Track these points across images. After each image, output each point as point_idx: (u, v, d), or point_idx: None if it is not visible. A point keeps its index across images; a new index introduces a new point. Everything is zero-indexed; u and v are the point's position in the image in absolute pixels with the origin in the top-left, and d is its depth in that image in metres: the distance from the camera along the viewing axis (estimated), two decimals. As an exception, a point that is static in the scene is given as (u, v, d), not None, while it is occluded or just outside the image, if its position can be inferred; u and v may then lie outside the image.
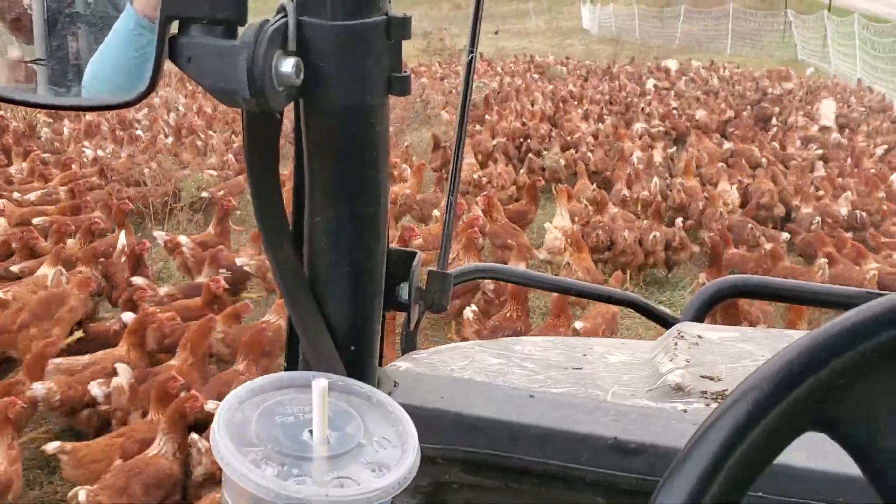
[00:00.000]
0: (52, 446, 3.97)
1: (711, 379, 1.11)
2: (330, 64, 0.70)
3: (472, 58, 0.86)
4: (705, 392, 1.07)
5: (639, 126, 12.38)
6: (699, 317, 1.41)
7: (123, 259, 6.01)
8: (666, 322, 1.41)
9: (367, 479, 0.65)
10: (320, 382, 0.66)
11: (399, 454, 0.68)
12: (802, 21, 28.47)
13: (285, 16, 0.69)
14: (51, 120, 12.02)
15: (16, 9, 0.92)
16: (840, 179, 9.64)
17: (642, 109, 13.88)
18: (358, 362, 0.82)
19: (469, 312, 5.52)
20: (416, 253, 0.87)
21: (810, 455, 0.81)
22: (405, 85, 0.74)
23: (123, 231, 6.24)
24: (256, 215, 0.78)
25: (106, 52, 0.84)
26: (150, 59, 0.85)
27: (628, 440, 0.88)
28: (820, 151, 11.35)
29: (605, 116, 13.19)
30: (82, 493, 3.60)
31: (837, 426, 0.49)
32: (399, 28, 0.73)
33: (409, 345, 1.22)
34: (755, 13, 31.81)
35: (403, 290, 0.86)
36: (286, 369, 0.90)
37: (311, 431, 0.68)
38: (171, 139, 11.07)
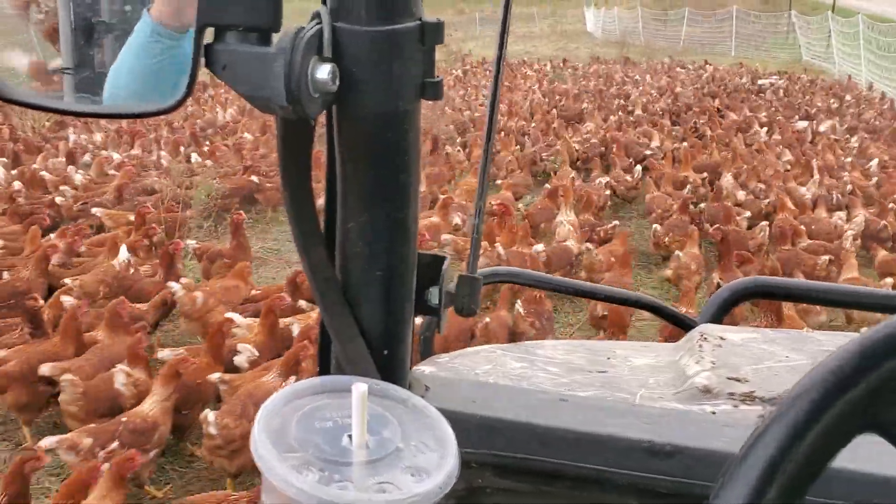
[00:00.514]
0: (215, 376, 4.45)
1: (738, 380, 1.10)
2: (364, 69, 0.70)
3: (500, 63, 0.86)
4: (733, 394, 1.06)
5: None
6: (716, 318, 1.41)
7: (132, 272, 6.06)
8: (682, 324, 1.41)
9: (408, 484, 0.64)
10: (360, 387, 0.66)
11: (438, 459, 0.68)
12: (807, 22, 28.43)
13: (320, 22, 0.69)
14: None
15: (53, 18, 0.93)
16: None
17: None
18: (391, 367, 0.82)
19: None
20: (444, 257, 0.87)
21: (854, 457, 0.80)
22: (438, 90, 0.74)
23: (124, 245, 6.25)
24: (290, 220, 0.78)
25: (124, 59, 0.84)
26: (166, 66, 0.85)
27: (663, 443, 0.88)
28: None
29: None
30: (211, 414, 4.11)
31: (891, 428, 0.49)
32: (432, 33, 0.73)
33: (427, 349, 1.22)
34: (759, 15, 31.81)
35: (433, 295, 0.86)
36: (318, 373, 0.90)
37: (349, 436, 0.68)
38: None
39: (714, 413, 1.02)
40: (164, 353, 4.72)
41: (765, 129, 12.97)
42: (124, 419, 4.14)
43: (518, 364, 1.21)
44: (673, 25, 33.57)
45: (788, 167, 10.27)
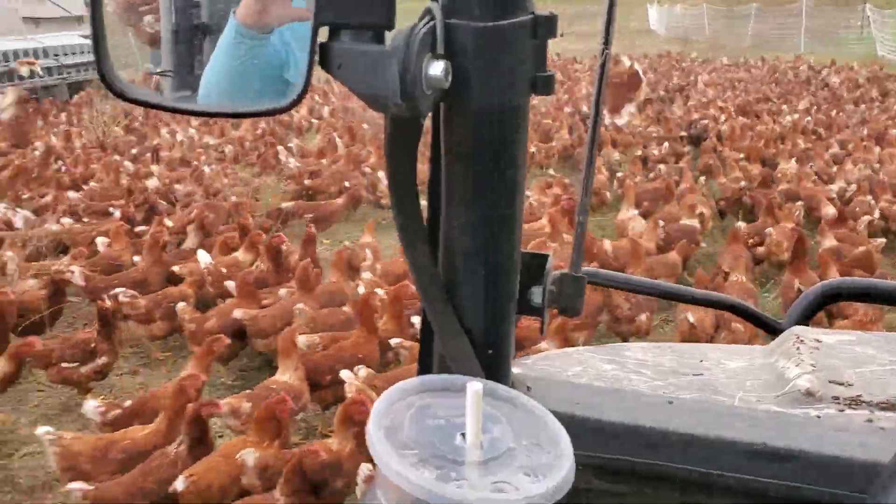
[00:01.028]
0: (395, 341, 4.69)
1: (841, 384, 1.07)
2: (477, 65, 0.70)
3: (605, 55, 0.85)
4: (837, 398, 1.03)
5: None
6: (804, 321, 1.37)
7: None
8: (768, 326, 1.37)
9: (525, 484, 0.64)
10: (475, 386, 0.65)
11: (552, 459, 0.67)
12: (882, 16, 27.50)
13: (432, 19, 0.69)
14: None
15: (156, 25, 0.95)
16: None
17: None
18: (494, 366, 0.81)
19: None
20: (547, 255, 0.86)
21: None
22: (549, 84, 0.73)
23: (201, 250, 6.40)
24: (395, 217, 0.78)
25: (214, 60, 0.85)
26: (249, 67, 0.86)
27: (776, 447, 0.85)
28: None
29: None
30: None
31: None
32: (545, 26, 0.72)
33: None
34: (831, 9, 30.89)
35: (535, 294, 0.85)
36: (419, 372, 0.90)
37: (462, 435, 0.67)
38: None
39: (819, 417, 0.99)
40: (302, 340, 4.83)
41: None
42: (273, 386, 4.27)
43: (608, 366, 1.19)
44: (740, 21, 32.84)
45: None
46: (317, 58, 0.70)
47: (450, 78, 0.69)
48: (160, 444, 3.55)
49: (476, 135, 0.73)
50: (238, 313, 5.23)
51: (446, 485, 0.62)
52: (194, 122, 13.20)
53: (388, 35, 0.69)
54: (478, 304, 0.79)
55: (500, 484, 0.64)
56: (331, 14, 0.67)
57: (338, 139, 11.74)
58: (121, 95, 0.76)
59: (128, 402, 4.24)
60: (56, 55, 20.25)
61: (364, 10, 0.67)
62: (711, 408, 0.96)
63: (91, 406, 4.16)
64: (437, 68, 0.67)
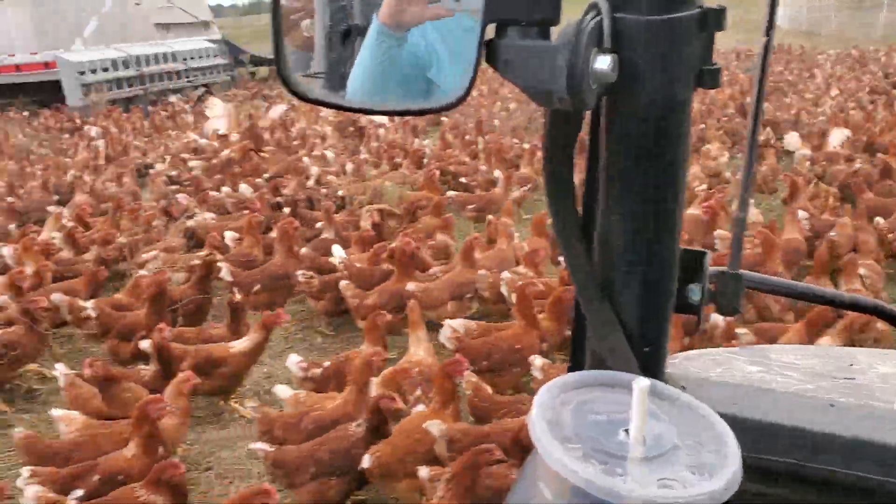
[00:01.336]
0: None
1: None
2: (644, 59, 0.70)
3: (767, 46, 0.82)
4: None
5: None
6: None
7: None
8: None
9: (693, 481, 0.63)
10: (642, 382, 0.65)
11: (718, 459, 0.66)
12: None
13: (598, 13, 0.69)
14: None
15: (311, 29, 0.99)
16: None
17: None
18: (651, 363, 0.80)
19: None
20: (706, 252, 0.84)
21: None
22: (716, 77, 0.72)
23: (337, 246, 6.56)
24: (551, 213, 0.78)
25: (360, 59, 0.88)
26: (387, 67, 0.88)
27: None
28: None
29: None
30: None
31: None
32: (714, 19, 0.71)
33: None
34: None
35: (693, 292, 0.83)
36: (571, 367, 0.90)
37: (625, 431, 0.67)
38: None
39: None
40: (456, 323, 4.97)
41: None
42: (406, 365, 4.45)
43: (753, 368, 1.16)
44: (869, 12, 31.11)
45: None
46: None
47: (616, 72, 0.68)
48: (346, 417, 3.75)
49: (641, 129, 0.73)
50: (411, 286, 5.50)
51: (614, 479, 0.62)
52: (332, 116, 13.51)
53: (553, 31, 0.70)
54: (635, 301, 0.79)
55: (667, 481, 0.63)
56: (499, 11, 0.68)
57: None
58: (301, 97, 0.80)
59: (326, 363, 4.55)
60: (184, 59, 21.31)
61: (531, 6, 0.67)
62: (875, 412, 0.92)
63: (294, 361, 4.49)
64: (604, 62, 0.67)
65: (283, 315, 4.96)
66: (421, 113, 0.78)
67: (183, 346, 4.74)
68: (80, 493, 3.40)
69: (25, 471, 3.44)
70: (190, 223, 7.63)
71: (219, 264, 5.90)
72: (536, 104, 0.70)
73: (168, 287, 5.40)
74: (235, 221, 7.46)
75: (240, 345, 4.79)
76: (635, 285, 0.78)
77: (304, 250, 6.47)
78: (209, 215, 7.88)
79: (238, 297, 5.38)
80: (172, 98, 19.53)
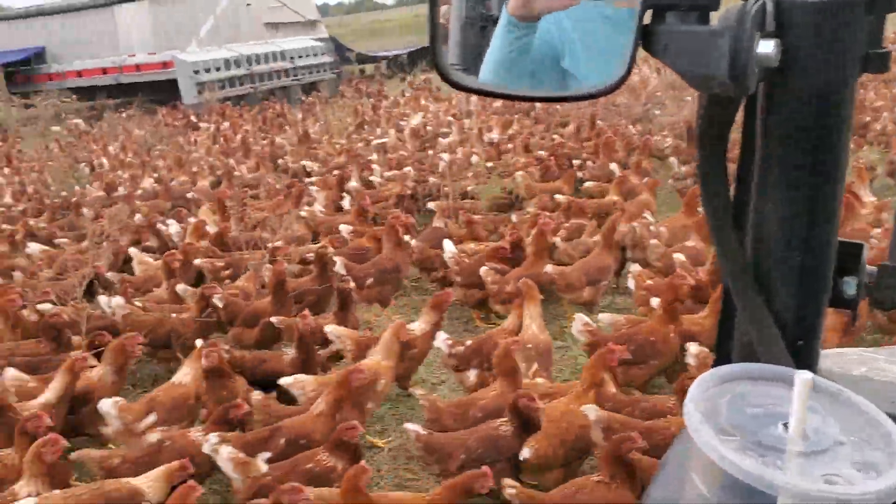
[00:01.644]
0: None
1: None
2: (806, 43, 0.67)
3: None
4: None
5: None
6: None
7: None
8: None
9: (858, 479, 0.61)
10: (805, 376, 0.63)
11: (886, 458, 0.63)
12: None
13: None
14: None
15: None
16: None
17: None
18: (804, 358, 0.78)
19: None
20: (863, 244, 0.81)
21: None
22: (885, 61, 0.69)
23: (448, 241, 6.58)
24: (704, 201, 0.77)
25: (491, 49, 0.88)
26: (515, 56, 0.88)
27: None
28: None
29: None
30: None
31: None
32: (885, 1, 0.68)
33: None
34: None
35: (849, 285, 0.80)
36: (717, 359, 0.88)
37: (784, 425, 0.65)
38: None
39: None
40: (604, 317, 5.07)
41: None
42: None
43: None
44: None
45: None
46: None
47: (779, 57, 0.67)
48: (502, 407, 3.85)
49: (802, 115, 0.70)
50: (549, 268, 5.69)
51: (774, 471, 0.60)
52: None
53: (713, 15, 0.68)
54: (790, 293, 0.77)
55: (832, 476, 0.61)
56: None
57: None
58: (456, 85, 0.81)
59: (468, 342, 4.74)
60: (292, 58, 21.93)
61: None
62: None
63: (441, 338, 4.73)
64: (767, 46, 0.65)
65: (451, 294, 5.18)
66: (573, 99, 0.78)
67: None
68: (267, 454, 3.68)
69: (213, 436, 3.66)
70: (302, 213, 7.84)
71: (333, 258, 6.02)
72: (695, 89, 0.69)
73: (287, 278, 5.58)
74: (344, 216, 7.63)
75: (418, 328, 4.91)
76: (791, 278, 0.76)
77: (414, 242, 6.56)
78: (318, 208, 8.07)
79: (352, 285, 5.48)
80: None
